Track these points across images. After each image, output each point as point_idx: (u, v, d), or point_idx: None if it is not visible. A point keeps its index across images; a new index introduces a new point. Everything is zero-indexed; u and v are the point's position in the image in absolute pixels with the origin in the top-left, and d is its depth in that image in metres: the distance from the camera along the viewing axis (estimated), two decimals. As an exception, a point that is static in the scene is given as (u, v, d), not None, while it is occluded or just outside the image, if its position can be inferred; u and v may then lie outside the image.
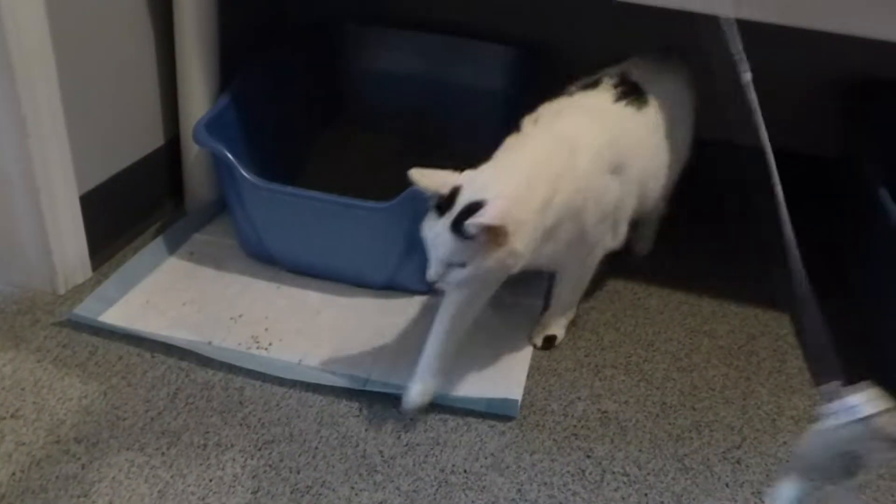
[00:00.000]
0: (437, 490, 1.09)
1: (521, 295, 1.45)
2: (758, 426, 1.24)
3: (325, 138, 1.89)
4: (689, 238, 1.71)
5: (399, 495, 1.08)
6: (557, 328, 1.39)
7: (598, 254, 1.32)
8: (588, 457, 1.17)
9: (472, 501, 1.08)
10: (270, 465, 1.10)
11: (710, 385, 1.32)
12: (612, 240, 1.31)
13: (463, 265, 1.05)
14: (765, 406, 1.29)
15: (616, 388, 1.30)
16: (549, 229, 1.12)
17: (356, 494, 1.07)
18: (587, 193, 1.18)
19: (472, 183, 1.06)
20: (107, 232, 1.51)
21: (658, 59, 1.45)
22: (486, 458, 1.15)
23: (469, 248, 1.04)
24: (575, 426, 1.22)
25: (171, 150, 1.65)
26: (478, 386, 1.25)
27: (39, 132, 1.30)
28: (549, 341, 1.38)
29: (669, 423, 1.24)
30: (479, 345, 1.32)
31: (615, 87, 1.31)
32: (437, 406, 1.21)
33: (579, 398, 1.27)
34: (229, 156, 1.39)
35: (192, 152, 1.64)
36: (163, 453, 1.11)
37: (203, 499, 1.05)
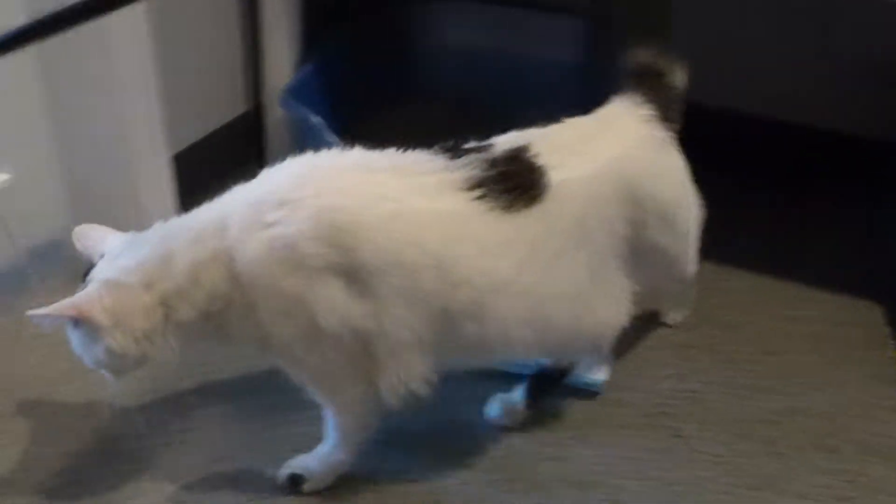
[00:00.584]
0: (524, 458, 1.08)
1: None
2: (852, 414, 1.20)
3: (399, 109, 1.88)
4: (772, 220, 1.67)
5: (487, 460, 1.07)
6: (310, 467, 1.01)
7: (347, 398, 0.94)
8: (676, 436, 1.14)
9: (559, 472, 1.07)
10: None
11: (799, 371, 1.28)
12: (358, 395, 0.91)
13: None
14: (859, 395, 1.24)
15: (701, 369, 1.27)
16: (203, 319, 0.86)
17: (444, 459, 1.07)
18: (258, 289, 0.84)
19: (110, 252, 0.88)
20: (194, 193, 1.53)
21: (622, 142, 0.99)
22: (571, 430, 1.14)
23: (75, 333, 0.87)
24: (661, 404, 1.20)
25: (255, 117, 1.67)
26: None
27: (134, 95, 1.32)
28: (295, 482, 1.00)
29: (758, 407, 1.21)
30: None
31: (488, 168, 0.89)
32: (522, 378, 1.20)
33: (665, 376, 1.25)
34: (317, 119, 1.39)
35: (274, 118, 1.65)
36: None
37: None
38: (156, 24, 1.32)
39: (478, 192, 0.88)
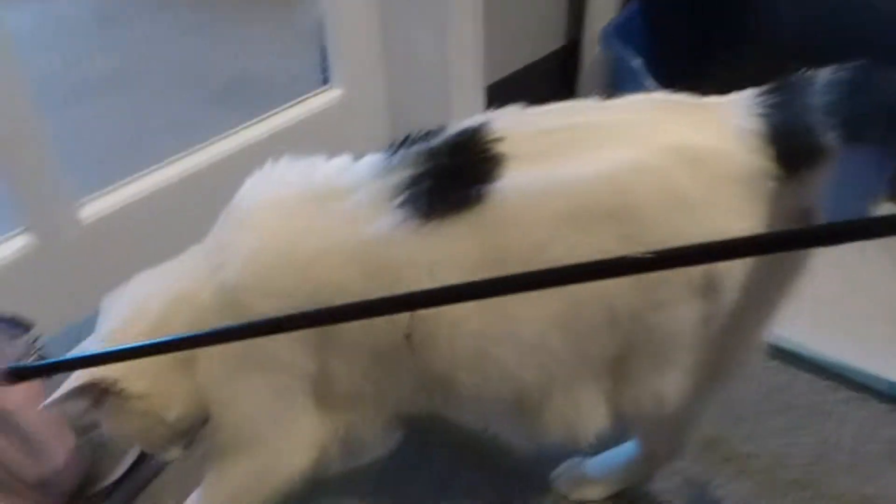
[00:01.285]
0: (814, 462, 0.97)
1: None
2: None
3: (729, 56, 1.73)
4: None
5: (769, 456, 0.97)
6: None
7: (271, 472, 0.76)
8: None
9: (858, 486, 0.94)
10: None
11: None
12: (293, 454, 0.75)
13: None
14: None
15: None
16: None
17: (730, 437, 0.99)
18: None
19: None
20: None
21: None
22: (879, 443, 0.99)
23: (100, 415, 0.75)
24: None
25: (570, 52, 1.64)
26: (882, 361, 1.08)
27: (460, 24, 1.36)
28: None
29: None
30: (888, 316, 1.14)
31: (424, 162, 0.67)
32: (827, 372, 1.06)
33: None
34: (637, 62, 1.32)
35: (591, 56, 1.61)
36: None
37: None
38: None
39: (400, 200, 0.66)
